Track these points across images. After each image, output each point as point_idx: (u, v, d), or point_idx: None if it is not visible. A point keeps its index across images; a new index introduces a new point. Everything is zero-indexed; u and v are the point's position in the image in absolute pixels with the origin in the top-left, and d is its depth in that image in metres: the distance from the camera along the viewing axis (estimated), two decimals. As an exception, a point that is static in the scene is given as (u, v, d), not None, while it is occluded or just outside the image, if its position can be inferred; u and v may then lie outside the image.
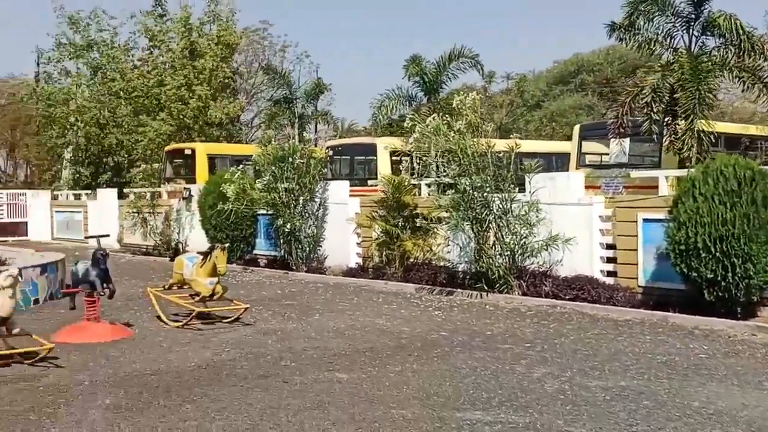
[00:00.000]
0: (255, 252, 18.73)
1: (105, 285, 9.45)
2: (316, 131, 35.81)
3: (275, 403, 6.45)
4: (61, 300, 12.58)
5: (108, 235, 19.83)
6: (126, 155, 31.96)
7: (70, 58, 32.74)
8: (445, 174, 13.13)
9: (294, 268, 16.67)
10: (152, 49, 31.52)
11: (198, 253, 10.54)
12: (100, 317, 9.55)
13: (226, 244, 10.41)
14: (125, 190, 25.89)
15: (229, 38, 30.77)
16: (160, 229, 22.26)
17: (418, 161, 14.99)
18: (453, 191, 12.75)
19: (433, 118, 12.53)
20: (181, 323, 10.21)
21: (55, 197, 30.76)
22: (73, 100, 31.25)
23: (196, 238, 20.41)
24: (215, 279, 10.06)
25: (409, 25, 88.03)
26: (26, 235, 29.03)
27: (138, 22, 31.32)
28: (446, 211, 13.04)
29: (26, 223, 29.63)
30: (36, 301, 12.06)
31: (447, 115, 13.00)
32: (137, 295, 12.95)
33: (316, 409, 6.27)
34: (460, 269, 13.82)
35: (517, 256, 12.53)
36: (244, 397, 6.64)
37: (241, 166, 18.26)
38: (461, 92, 13.79)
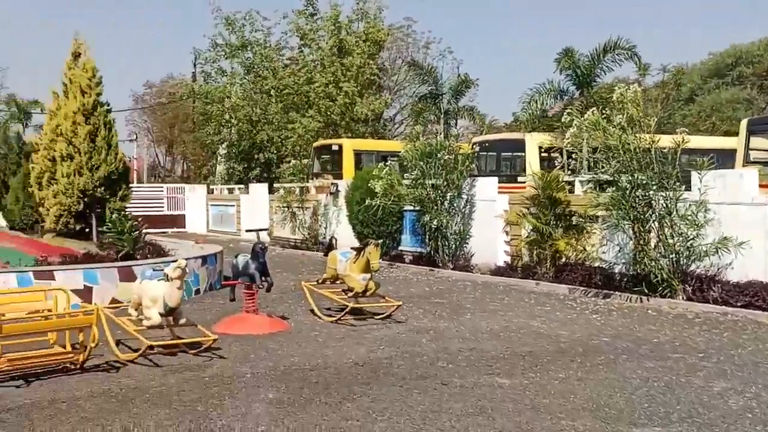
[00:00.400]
0: (400, 248, 18.71)
1: (263, 278, 9.61)
2: (456, 126, 35.66)
3: (436, 406, 6.25)
4: (220, 291, 13.04)
5: (267, 229, 20.47)
6: (275, 151, 33.02)
7: (226, 58, 34.25)
8: (603, 170, 12.49)
9: (440, 265, 16.51)
10: (303, 48, 32.36)
11: (351, 248, 10.55)
12: (258, 309, 9.74)
13: (380, 241, 10.35)
14: (275, 185, 26.69)
15: (376, 35, 31.09)
16: (308, 224, 22.76)
17: (573, 157, 14.43)
18: (613, 189, 12.11)
19: (592, 113, 11.94)
20: (334, 318, 10.26)
21: (210, 191, 32.24)
22: (229, 98, 32.64)
23: (342, 233, 20.70)
24: (368, 275, 10.03)
25: (551, 17, 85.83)
26: (184, 227, 30.59)
27: (290, 21, 32.26)
28: (606, 210, 12.42)
29: (184, 215, 31.23)
30: (197, 292, 12.53)
31: (605, 109, 12.40)
32: (290, 288, 13.21)
33: (479, 415, 6.02)
34: (616, 271, 13.15)
35: (682, 258, 11.74)
36: (404, 398, 6.48)
37: (389, 162, 18.27)
38: (620, 85, 13.06)
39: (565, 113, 12.47)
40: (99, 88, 17.24)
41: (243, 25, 33.36)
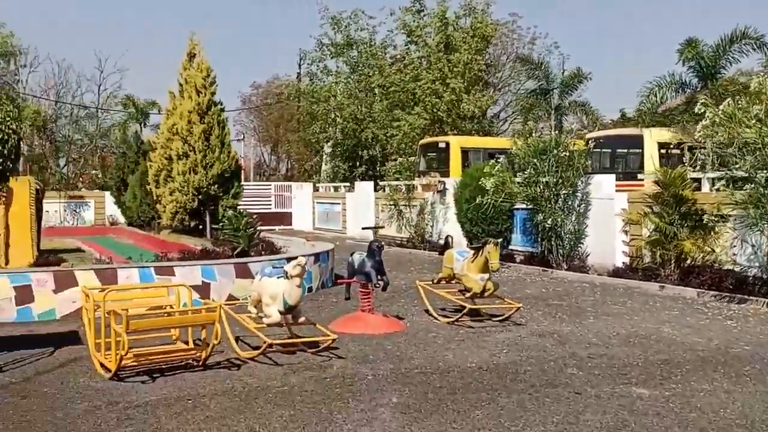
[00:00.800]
0: (510, 247, 18.18)
1: (379, 277, 9.39)
2: (563, 123, 34.60)
3: (572, 417, 5.83)
4: (332, 289, 12.96)
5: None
6: (380, 149, 33.00)
7: (332, 57, 34.53)
8: (736, 166, 11.65)
9: (554, 265, 15.93)
10: (409, 45, 32.20)
11: (469, 247, 10.22)
12: (373, 308, 9.55)
13: (499, 240, 9.98)
14: (380, 183, 26.58)
15: (484, 30, 30.55)
16: (414, 222, 22.52)
17: (700, 153, 13.59)
18: (751, 186, 11.27)
19: (728, 104, 11.14)
20: (450, 319, 9.95)
21: (316, 189, 32.53)
22: (334, 97, 32.87)
23: (449, 231, 20.39)
24: (486, 275, 9.66)
25: (659, 7, 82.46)
26: (290, 224, 30.97)
27: (397, 18, 32.20)
28: (742, 208, 11.57)
29: (291, 213, 31.63)
30: (309, 290, 12.45)
31: (740, 101, 11.56)
32: (401, 287, 12.99)
33: (621, 429, 5.57)
34: (750, 274, 12.27)
35: (828, 262, 10.81)
36: (536, 407, 6.10)
37: (501, 159, 17.79)
38: (759, 74, 12.16)
39: (699, 104, 11.66)
40: (213, 87, 17.56)
41: (348, 24, 33.57)
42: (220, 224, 13.87)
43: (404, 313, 10.55)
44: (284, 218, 31.11)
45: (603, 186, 15.99)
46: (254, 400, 6.26)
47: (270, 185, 33.39)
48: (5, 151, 10.15)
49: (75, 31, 72.65)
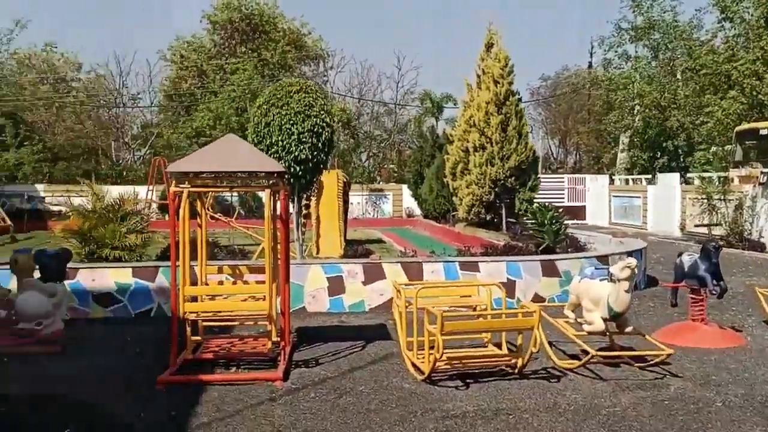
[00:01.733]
0: None
1: (715, 282, 8.08)
2: None
3: None
4: (644, 291, 11.73)
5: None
6: (685, 138, 30.26)
7: (631, 42, 32.47)
8: None
9: None
10: (723, 22, 28.98)
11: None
12: (706, 318, 8.26)
13: None
14: (688, 175, 24.21)
15: (821, -5, 26.35)
16: (730, 218, 20.09)
17: None
18: None
19: None
20: (803, 336, 8.32)
21: (611, 182, 30.74)
22: (634, 83, 30.84)
23: (775, 229, 17.95)
24: None
25: None
26: (584, 219, 29.51)
27: (711, -5, 29.15)
28: None
29: (584, 207, 30.18)
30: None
31: None
32: (728, 292, 11.32)
33: None
34: None
35: None
36: None
37: None
38: None
39: None
40: (510, 77, 17.05)
41: (650, 6, 31.26)
42: (524, 217, 13.25)
43: (739, 324, 9.08)
44: (578, 212, 29.71)
45: None
46: (583, 422, 5.47)
47: (563, 178, 32.21)
48: (320, 144, 10.41)
49: (377, 32, 76.74)
